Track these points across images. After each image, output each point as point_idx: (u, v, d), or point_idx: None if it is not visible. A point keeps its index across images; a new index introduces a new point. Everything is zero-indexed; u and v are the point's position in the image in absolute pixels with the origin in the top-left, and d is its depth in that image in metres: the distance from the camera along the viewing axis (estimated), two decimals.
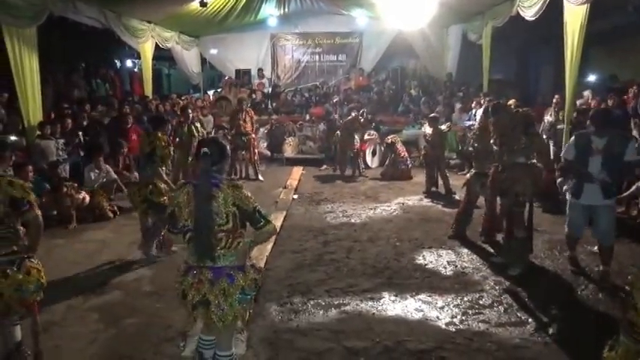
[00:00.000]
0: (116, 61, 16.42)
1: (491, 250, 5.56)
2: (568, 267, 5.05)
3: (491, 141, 5.27)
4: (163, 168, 5.42)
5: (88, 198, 6.94)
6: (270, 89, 15.08)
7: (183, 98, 13.46)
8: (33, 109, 7.30)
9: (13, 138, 7.42)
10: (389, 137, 10.37)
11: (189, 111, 8.90)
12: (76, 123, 8.59)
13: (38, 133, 7.37)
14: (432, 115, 9.08)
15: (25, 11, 6.75)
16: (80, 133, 8.43)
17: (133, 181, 5.71)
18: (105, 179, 7.59)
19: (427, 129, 8.46)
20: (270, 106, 13.72)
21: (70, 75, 11.64)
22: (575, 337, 3.75)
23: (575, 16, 6.80)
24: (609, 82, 10.61)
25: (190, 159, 8.02)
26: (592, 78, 13.11)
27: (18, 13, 6.64)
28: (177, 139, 8.28)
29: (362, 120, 10.16)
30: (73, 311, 4.29)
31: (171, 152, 5.49)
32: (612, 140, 4.54)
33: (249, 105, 10.85)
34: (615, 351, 2.18)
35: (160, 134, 5.33)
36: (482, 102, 10.13)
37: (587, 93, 9.22)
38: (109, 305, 4.42)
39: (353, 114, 10.24)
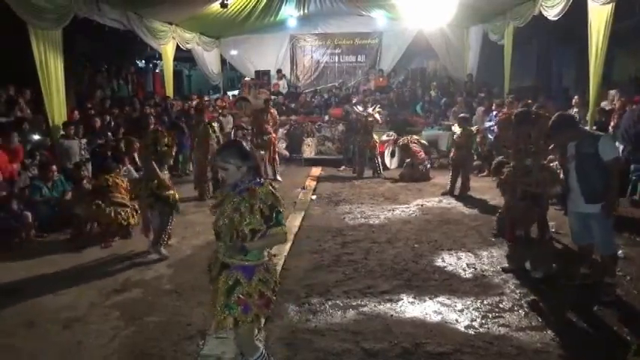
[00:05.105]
0: (138, 62, 16.67)
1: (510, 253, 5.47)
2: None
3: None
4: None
5: None
6: (286, 89, 15.15)
7: (206, 99, 13.58)
8: (58, 109, 7.45)
9: (36, 137, 7.58)
10: (402, 139, 10.28)
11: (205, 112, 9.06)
12: (103, 123, 8.75)
13: (62, 133, 7.51)
14: (462, 115, 8.92)
15: (51, 13, 6.92)
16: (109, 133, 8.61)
17: (138, 177, 6.18)
18: (126, 178, 7.68)
19: (456, 129, 8.31)
20: (284, 107, 13.79)
21: (94, 76, 11.85)
22: (598, 343, 3.68)
23: (599, 15, 6.70)
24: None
25: (209, 158, 8.09)
26: (616, 78, 12.84)
27: (44, 15, 6.81)
28: (196, 139, 8.36)
29: (370, 110, 10.03)
30: (96, 308, 4.36)
31: (172, 153, 5.70)
32: (580, 142, 4.22)
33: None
34: None
35: (165, 133, 5.60)
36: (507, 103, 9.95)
37: (613, 93, 8.96)
38: (130, 303, 4.48)
39: (360, 107, 10.19)
